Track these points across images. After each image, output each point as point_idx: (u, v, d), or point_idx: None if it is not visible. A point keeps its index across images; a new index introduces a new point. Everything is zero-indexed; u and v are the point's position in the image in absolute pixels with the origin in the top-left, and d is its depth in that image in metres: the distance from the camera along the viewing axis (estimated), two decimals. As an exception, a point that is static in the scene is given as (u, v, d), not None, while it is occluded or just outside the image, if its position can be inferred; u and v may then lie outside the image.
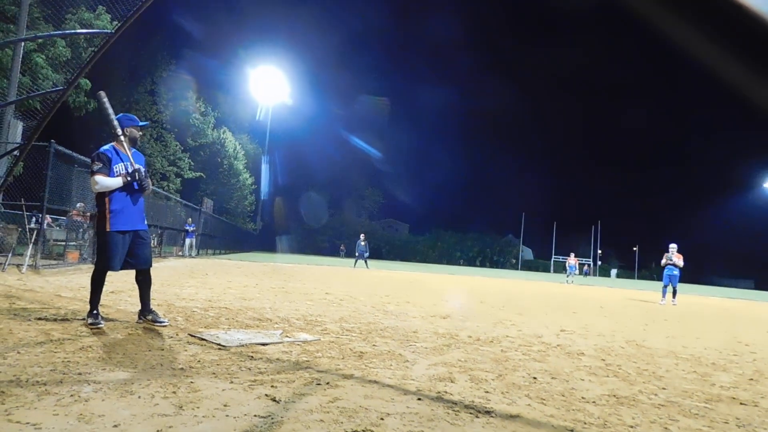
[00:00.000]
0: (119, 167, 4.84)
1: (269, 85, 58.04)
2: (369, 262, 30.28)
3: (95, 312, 4.74)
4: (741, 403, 3.61)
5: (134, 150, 5.10)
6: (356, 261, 29.42)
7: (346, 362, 3.95)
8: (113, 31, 7.06)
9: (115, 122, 4.92)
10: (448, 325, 6.59)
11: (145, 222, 5.18)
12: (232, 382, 3.11)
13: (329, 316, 6.59)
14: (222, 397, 2.81)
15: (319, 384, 3.23)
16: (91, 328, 4.53)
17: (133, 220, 4.93)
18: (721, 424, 3.06)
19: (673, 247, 15.37)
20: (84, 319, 4.80)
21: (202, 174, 44.44)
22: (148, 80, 39.48)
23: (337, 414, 2.66)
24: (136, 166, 4.90)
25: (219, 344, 4.25)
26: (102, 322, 4.70)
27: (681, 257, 15.38)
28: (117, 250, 4.79)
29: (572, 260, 30.71)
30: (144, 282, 5.09)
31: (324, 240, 79.61)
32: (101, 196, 4.84)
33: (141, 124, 5.21)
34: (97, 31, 9.60)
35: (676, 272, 15.23)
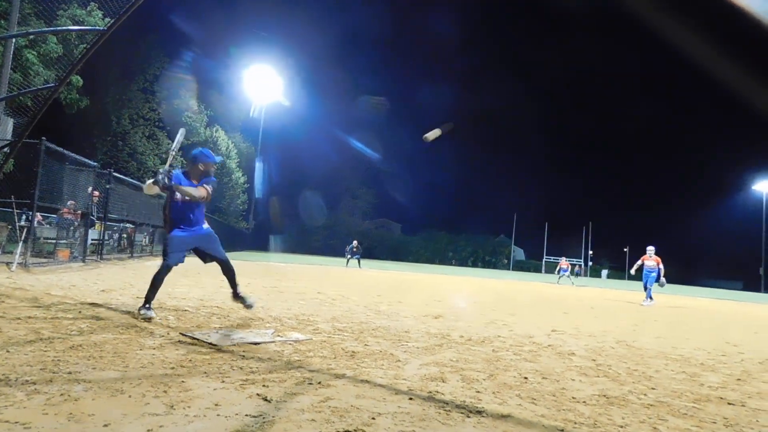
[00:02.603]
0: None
1: (263, 84, 57.81)
2: (362, 261, 30.31)
3: (148, 306, 5.21)
4: (729, 403, 3.63)
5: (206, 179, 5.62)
6: (348, 260, 29.46)
7: (338, 362, 3.95)
8: (105, 28, 7.02)
9: (173, 153, 5.57)
10: (440, 325, 6.60)
11: (205, 225, 5.70)
12: (223, 382, 3.10)
13: (321, 315, 6.58)
14: (213, 396, 2.80)
15: (310, 383, 3.23)
16: (141, 318, 5.02)
17: (191, 225, 5.51)
18: (709, 423, 3.08)
19: (649, 249, 15.48)
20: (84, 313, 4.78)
21: (194, 173, 44.14)
22: (141, 78, 39.23)
23: (329, 413, 2.65)
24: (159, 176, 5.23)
25: (211, 343, 4.24)
26: (153, 312, 5.18)
27: (654, 259, 15.41)
28: (175, 249, 5.37)
29: (564, 264, 31.23)
30: (226, 272, 5.69)
31: (318, 239, 79.46)
32: (164, 206, 5.58)
33: (216, 160, 5.76)
34: (89, 28, 9.54)
35: (653, 274, 15.32)
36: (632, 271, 16.04)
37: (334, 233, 77.49)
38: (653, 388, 3.91)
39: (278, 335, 4.87)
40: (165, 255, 5.35)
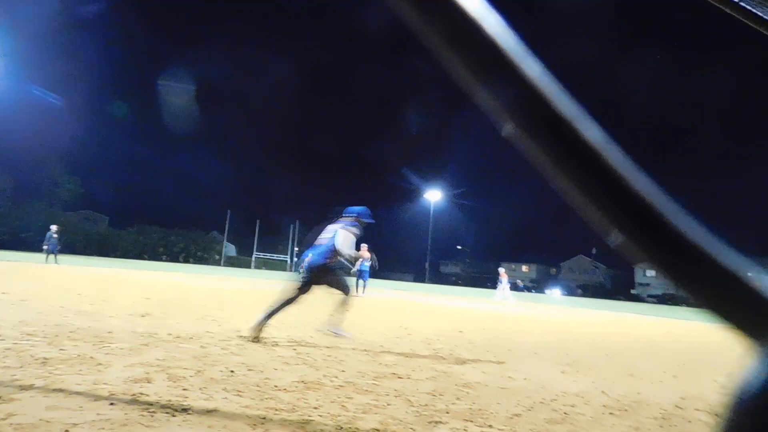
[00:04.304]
0: None
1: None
2: (60, 257, 26.29)
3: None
4: (399, 378, 4.19)
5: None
6: (47, 256, 25.27)
7: (26, 371, 3.38)
8: None
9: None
10: (147, 323, 6.15)
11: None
12: None
13: (6, 319, 5.53)
14: None
15: (-12, 399, 2.70)
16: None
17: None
18: (384, 396, 3.51)
19: (363, 246, 17.31)
20: None
21: None
22: None
23: None
24: None
25: None
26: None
27: (369, 255, 17.28)
28: None
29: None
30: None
31: (4, 232, 66.39)
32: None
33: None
34: None
35: (364, 268, 17.21)
36: (354, 269, 17.48)
37: (26, 225, 65.74)
38: (343, 371, 4.28)
39: (-55, 345, 3.95)
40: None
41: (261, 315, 5.70)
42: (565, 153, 0.27)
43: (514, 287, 24.98)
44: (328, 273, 6.31)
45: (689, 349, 9.03)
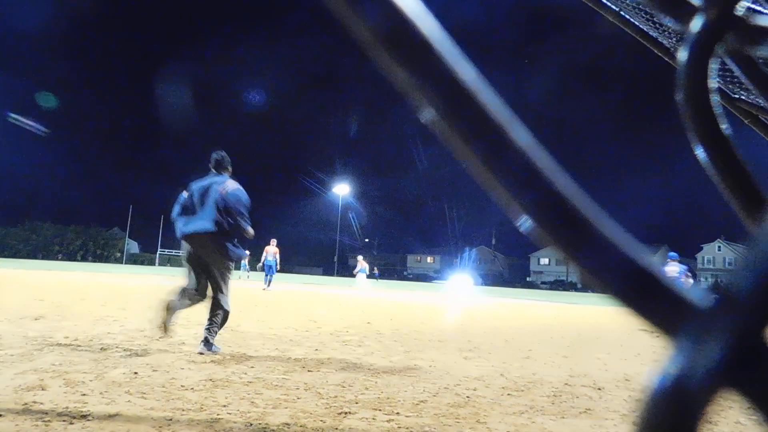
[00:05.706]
0: None
1: None
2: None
3: None
4: (309, 371, 4.19)
5: None
6: None
7: None
8: None
9: None
10: (41, 327, 5.69)
11: None
12: None
13: None
14: None
15: None
16: None
17: None
18: (293, 390, 3.49)
19: (272, 241, 17.51)
20: None
21: None
22: None
23: None
24: None
25: None
26: None
27: (275, 251, 17.54)
28: None
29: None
30: None
31: None
32: None
33: None
34: None
35: (270, 263, 17.40)
36: (259, 266, 17.89)
37: None
38: (252, 367, 4.20)
39: None
40: None
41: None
42: (488, 147, 0.28)
43: (372, 275, 25.82)
44: None
45: (577, 330, 9.73)
